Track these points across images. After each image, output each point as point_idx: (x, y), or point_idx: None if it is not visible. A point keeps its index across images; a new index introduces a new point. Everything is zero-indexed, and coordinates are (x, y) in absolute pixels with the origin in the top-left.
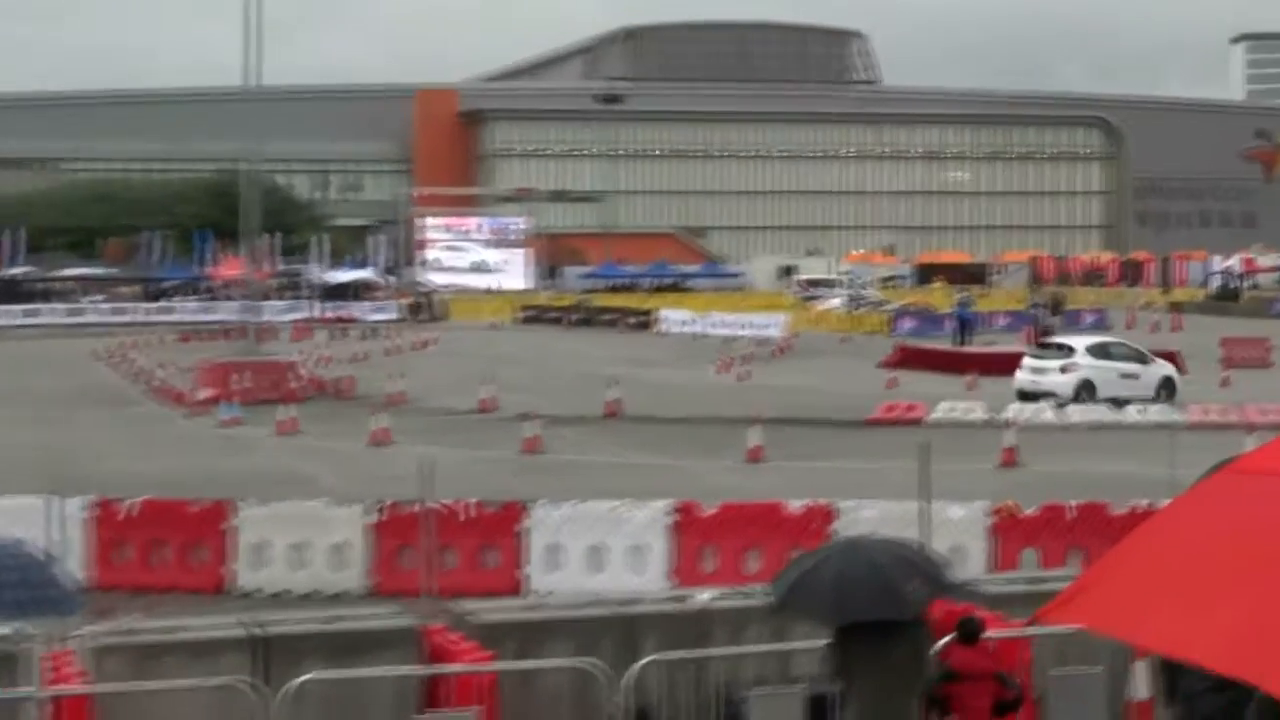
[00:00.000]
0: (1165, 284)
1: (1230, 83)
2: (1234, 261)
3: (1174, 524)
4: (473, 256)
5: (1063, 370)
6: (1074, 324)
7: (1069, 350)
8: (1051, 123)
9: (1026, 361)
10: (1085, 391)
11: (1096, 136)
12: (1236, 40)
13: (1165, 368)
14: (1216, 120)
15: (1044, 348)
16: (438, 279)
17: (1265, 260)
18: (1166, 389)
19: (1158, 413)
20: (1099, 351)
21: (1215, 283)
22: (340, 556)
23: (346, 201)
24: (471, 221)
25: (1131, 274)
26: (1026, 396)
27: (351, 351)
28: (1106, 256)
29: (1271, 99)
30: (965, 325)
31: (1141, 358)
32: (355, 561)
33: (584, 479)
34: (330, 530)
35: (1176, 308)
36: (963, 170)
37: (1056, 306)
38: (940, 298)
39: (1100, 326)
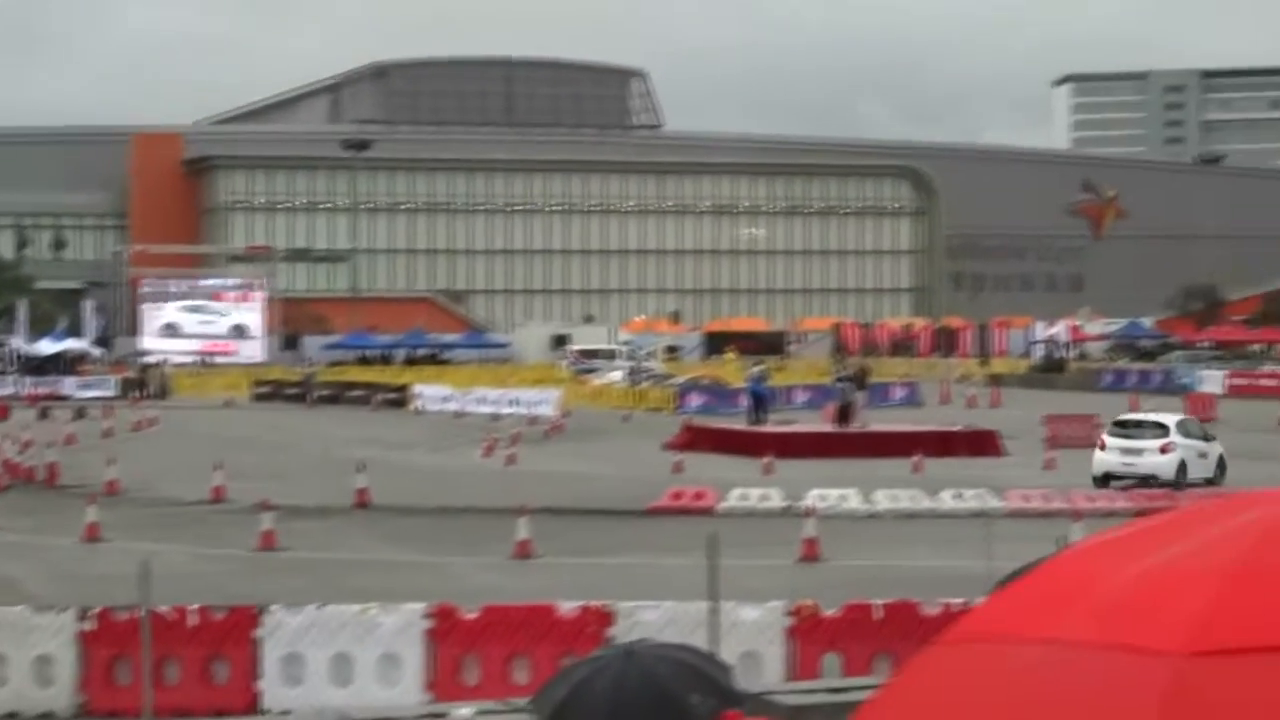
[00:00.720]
0: (983, 354)
1: (1054, 128)
2: (1059, 329)
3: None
4: (201, 324)
5: (1163, 450)
6: (882, 399)
7: (1161, 428)
8: (856, 173)
9: (1112, 441)
10: (1181, 473)
11: (906, 189)
12: (1060, 82)
13: (1218, 446)
14: (1039, 170)
15: (1126, 426)
16: (159, 349)
17: (1093, 327)
18: (1220, 469)
19: (974, 499)
20: (1183, 429)
21: (1038, 353)
22: (45, 670)
23: (53, 261)
24: (199, 284)
25: (946, 343)
26: (1107, 481)
27: (60, 434)
28: (918, 323)
29: (1098, 145)
30: (760, 401)
31: (1206, 435)
32: (63, 677)
33: (328, 579)
34: (33, 641)
35: (996, 380)
36: (757, 226)
37: (862, 380)
38: (732, 370)
39: (911, 401)
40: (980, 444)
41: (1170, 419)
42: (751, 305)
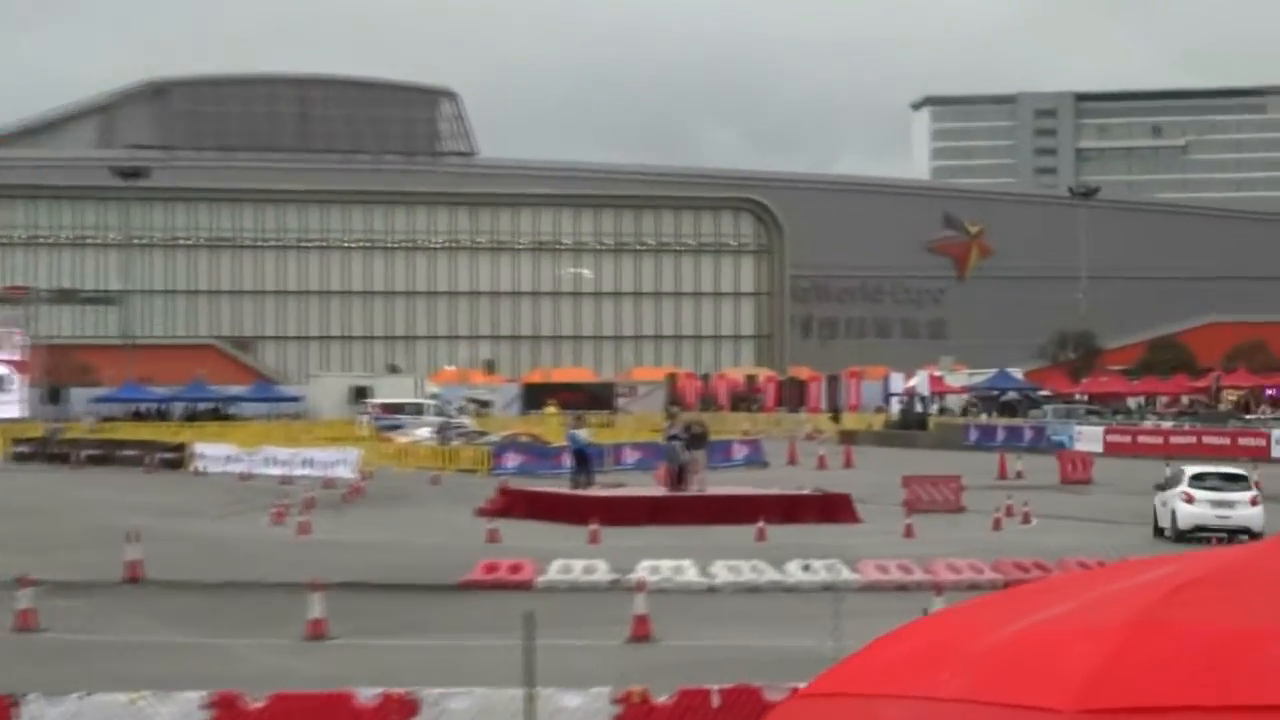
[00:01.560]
0: (834, 408)
1: (914, 156)
2: (918, 380)
3: None
4: None
5: (1253, 503)
6: (722, 459)
7: (1243, 480)
8: (694, 206)
9: (1200, 494)
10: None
11: (749, 224)
12: (920, 105)
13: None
14: (896, 204)
15: (1207, 479)
16: None
17: (956, 378)
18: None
19: (823, 571)
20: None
21: (896, 407)
22: None
23: None
24: None
25: (793, 395)
26: (1192, 534)
27: None
28: (762, 374)
29: (962, 176)
30: (585, 461)
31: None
32: None
33: (95, 664)
34: None
35: (848, 438)
36: (582, 265)
37: (699, 437)
38: (554, 426)
39: (755, 461)
40: (831, 509)
41: (1245, 470)
42: (576, 354)
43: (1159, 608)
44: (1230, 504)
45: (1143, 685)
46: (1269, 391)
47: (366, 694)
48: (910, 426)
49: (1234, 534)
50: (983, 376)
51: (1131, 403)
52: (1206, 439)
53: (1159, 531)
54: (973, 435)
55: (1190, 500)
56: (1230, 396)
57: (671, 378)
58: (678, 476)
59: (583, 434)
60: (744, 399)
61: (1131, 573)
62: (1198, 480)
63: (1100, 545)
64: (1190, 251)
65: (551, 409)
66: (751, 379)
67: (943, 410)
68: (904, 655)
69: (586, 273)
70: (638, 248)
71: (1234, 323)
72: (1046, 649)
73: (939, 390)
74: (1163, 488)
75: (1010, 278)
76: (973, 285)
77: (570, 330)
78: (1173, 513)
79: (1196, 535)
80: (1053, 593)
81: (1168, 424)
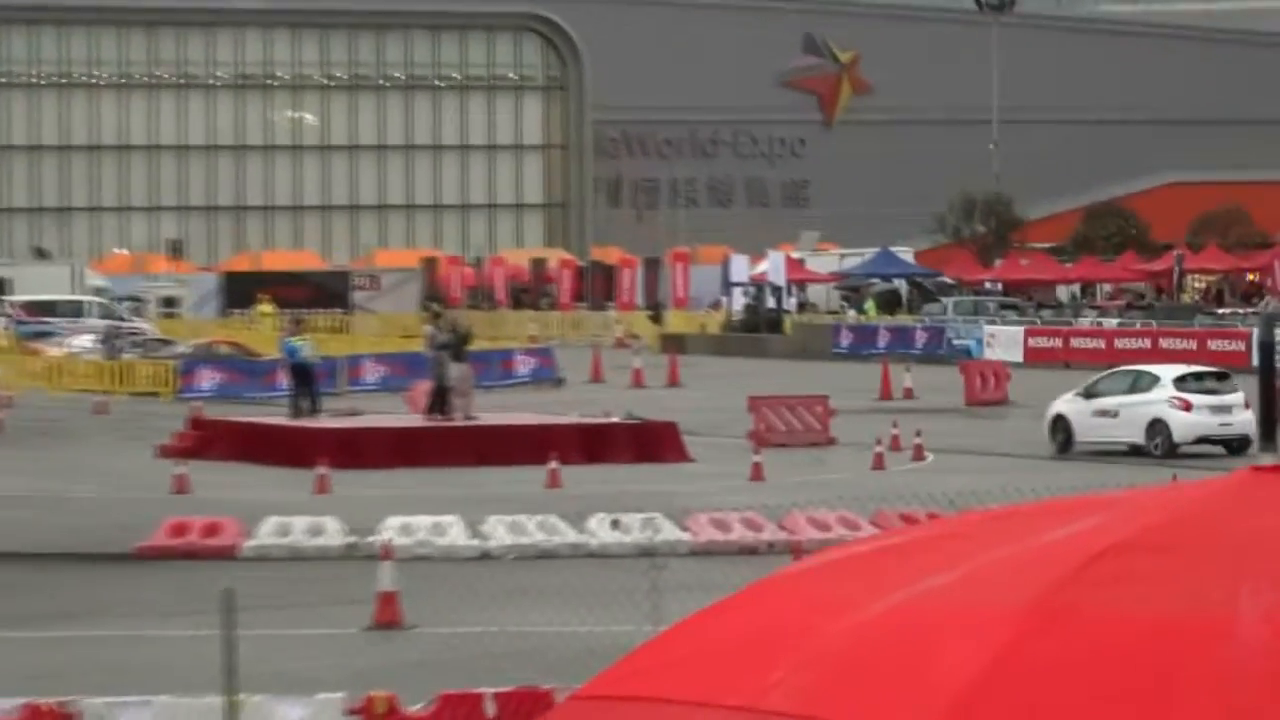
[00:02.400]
0: (654, 305)
1: None
2: (771, 264)
3: None
4: None
5: (1248, 405)
6: (502, 374)
7: (1228, 378)
8: (456, 26)
9: (1199, 400)
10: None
11: (534, 50)
12: None
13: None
14: (739, 24)
15: (1202, 379)
16: None
17: (822, 262)
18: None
19: (640, 529)
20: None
21: (740, 301)
22: None
23: None
24: None
25: (598, 287)
26: (1192, 447)
27: None
28: (555, 257)
29: None
30: (308, 380)
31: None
32: None
33: None
34: None
35: (674, 345)
36: (303, 108)
37: (462, 343)
38: (266, 333)
39: (546, 378)
40: (651, 443)
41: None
42: (296, 231)
43: (1067, 586)
44: (1228, 409)
45: (1036, 702)
46: (1249, 277)
47: (8, 704)
48: (759, 329)
49: (1239, 446)
50: (859, 258)
51: (1062, 293)
52: (1165, 341)
53: (1062, 450)
54: (845, 340)
55: (1188, 407)
56: (1197, 284)
57: (430, 263)
58: (438, 400)
59: (304, 344)
60: (529, 292)
61: (1040, 525)
62: (1190, 381)
63: (1016, 489)
64: (1144, 85)
65: (265, 308)
66: (540, 264)
67: (803, 306)
68: (725, 641)
69: (309, 118)
70: (380, 84)
71: (1201, 182)
72: (915, 646)
73: (798, 279)
74: (1089, 396)
75: (895, 122)
76: (844, 133)
77: (288, 199)
78: (1156, 423)
79: (1190, 450)
80: (936, 548)
81: (1112, 322)
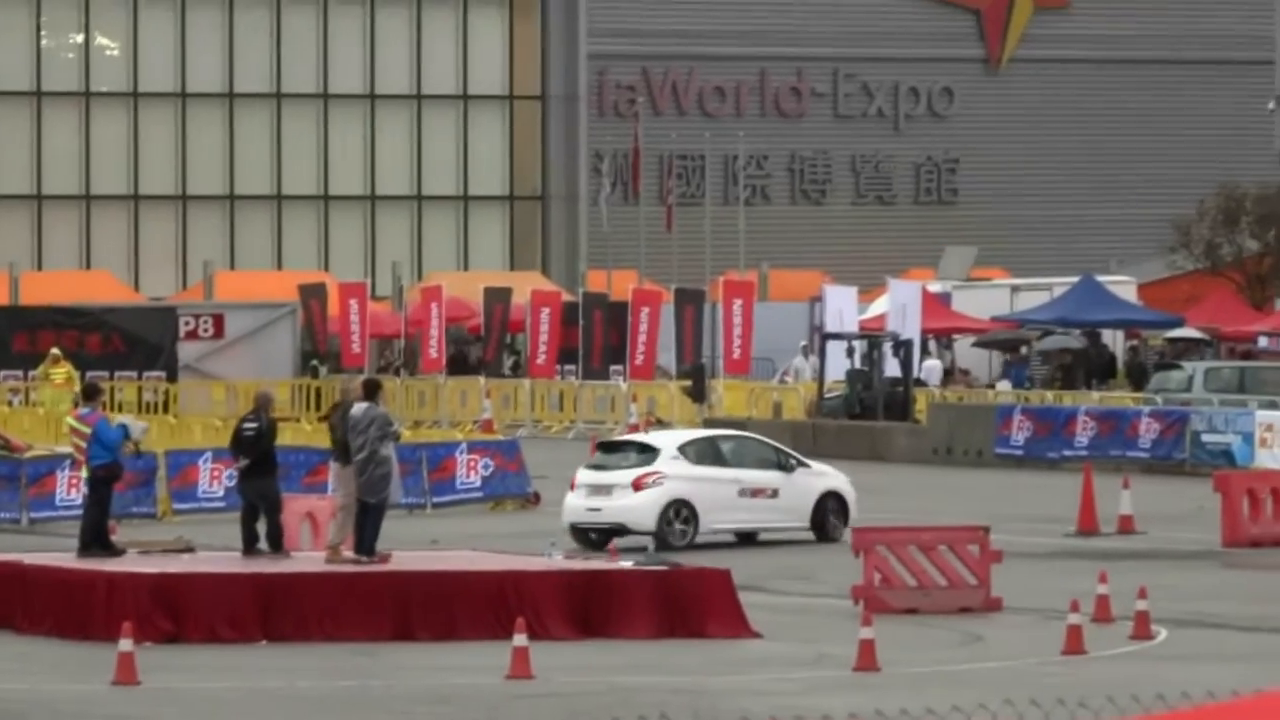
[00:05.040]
0: (693, 370)
1: None
2: (894, 301)
3: None
4: None
5: (636, 486)
6: (442, 486)
7: (648, 450)
8: None
9: (582, 477)
10: (670, 522)
11: None
12: None
13: (828, 479)
14: None
15: (610, 451)
16: None
17: (979, 300)
18: (831, 515)
19: None
20: (695, 452)
21: (841, 364)
22: None
23: None
24: None
25: (598, 337)
26: (583, 537)
27: None
28: (524, 286)
29: None
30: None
31: (787, 460)
32: None
33: None
34: None
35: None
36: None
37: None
38: (53, 406)
39: (506, 491)
40: (687, 603)
41: (673, 438)
42: (81, 235)
43: None
44: (608, 489)
45: None
46: None
47: None
48: (873, 412)
49: (607, 534)
50: (1044, 294)
51: None
52: None
53: None
54: (1020, 432)
55: (574, 487)
56: None
57: (311, 294)
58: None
59: (133, 426)
60: (483, 344)
61: None
62: (602, 452)
63: None
64: None
65: (57, 371)
66: (499, 298)
67: (950, 374)
68: None
69: (107, 45)
70: None
71: None
72: None
73: (940, 328)
74: None
75: (1107, 62)
76: (1019, 80)
77: (72, 180)
78: None
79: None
80: None
81: None
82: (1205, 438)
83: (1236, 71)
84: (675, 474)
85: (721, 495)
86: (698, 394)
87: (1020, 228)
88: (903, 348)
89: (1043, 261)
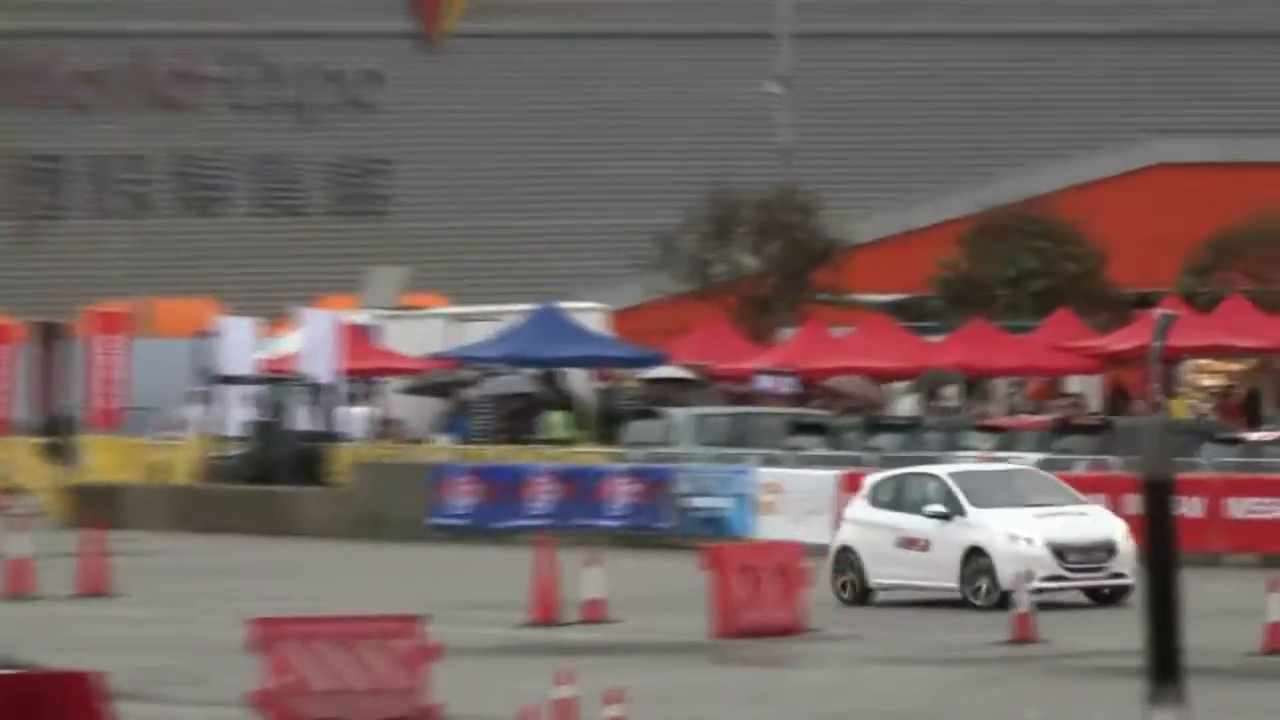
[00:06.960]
0: (55, 423)
1: None
2: (308, 335)
3: None
4: None
5: None
6: None
7: None
8: None
9: None
10: None
11: None
12: None
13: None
14: None
15: None
16: None
17: (414, 334)
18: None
19: None
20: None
21: (242, 412)
22: None
23: None
24: None
25: None
26: None
27: None
28: None
29: None
30: None
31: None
32: None
33: None
34: None
35: (99, 507)
36: None
37: None
38: None
39: None
40: (38, 713)
41: None
42: None
43: None
44: None
45: None
46: None
47: None
48: (280, 473)
49: None
50: (492, 324)
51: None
52: None
53: None
54: (461, 497)
55: None
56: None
57: None
58: None
59: None
60: None
61: None
62: None
63: None
64: None
65: None
66: None
67: (389, 424)
68: None
69: None
70: None
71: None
72: None
73: (368, 369)
74: None
75: (571, 35)
76: (458, 58)
77: None
78: None
79: None
80: None
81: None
82: (693, 502)
83: (729, 48)
84: None
85: None
86: (60, 453)
87: (465, 243)
88: (322, 394)
89: (492, 285)
